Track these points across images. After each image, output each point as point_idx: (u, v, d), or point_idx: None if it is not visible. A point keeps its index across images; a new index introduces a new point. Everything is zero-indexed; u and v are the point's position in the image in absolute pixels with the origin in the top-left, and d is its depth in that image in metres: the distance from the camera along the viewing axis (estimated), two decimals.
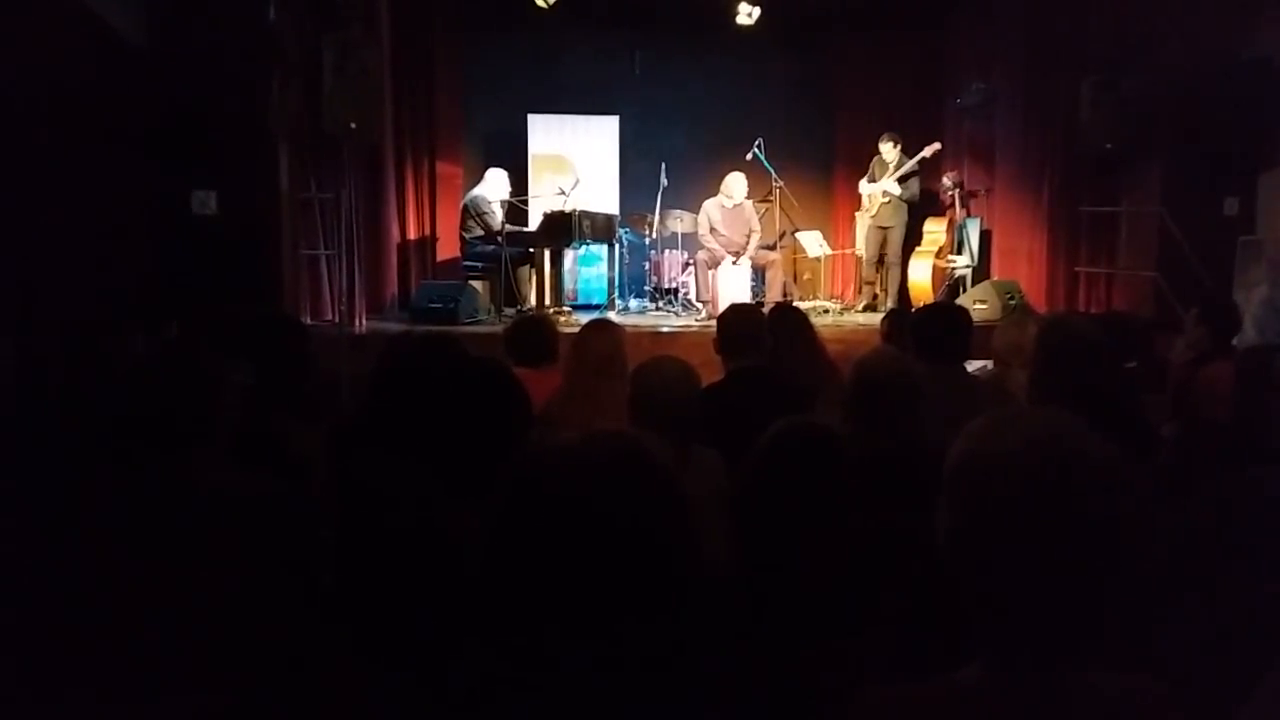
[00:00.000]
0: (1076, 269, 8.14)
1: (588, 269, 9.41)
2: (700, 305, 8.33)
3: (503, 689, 1.19)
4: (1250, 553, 1.78)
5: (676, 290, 8.93)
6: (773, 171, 8.78)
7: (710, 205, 8.39)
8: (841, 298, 9.47)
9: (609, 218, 8.40)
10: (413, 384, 2.21)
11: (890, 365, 2.73)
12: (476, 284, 8.00)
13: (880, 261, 8.87)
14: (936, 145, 8.65)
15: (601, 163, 9.69)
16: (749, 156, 8.70)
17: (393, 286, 8.69)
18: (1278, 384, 2.89)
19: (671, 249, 9.06)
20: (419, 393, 2.06)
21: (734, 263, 8.14)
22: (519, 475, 1.25)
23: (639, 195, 9.29)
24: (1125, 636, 1.14)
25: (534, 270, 7.89)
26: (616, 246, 8.79)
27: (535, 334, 4.03)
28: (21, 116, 4.46)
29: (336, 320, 6.95)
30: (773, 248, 8.74)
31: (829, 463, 1.87)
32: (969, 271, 8.62)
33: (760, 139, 8.74)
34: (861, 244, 9.04)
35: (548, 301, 7.68)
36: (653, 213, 8.90)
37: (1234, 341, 4.31)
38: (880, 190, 8.67)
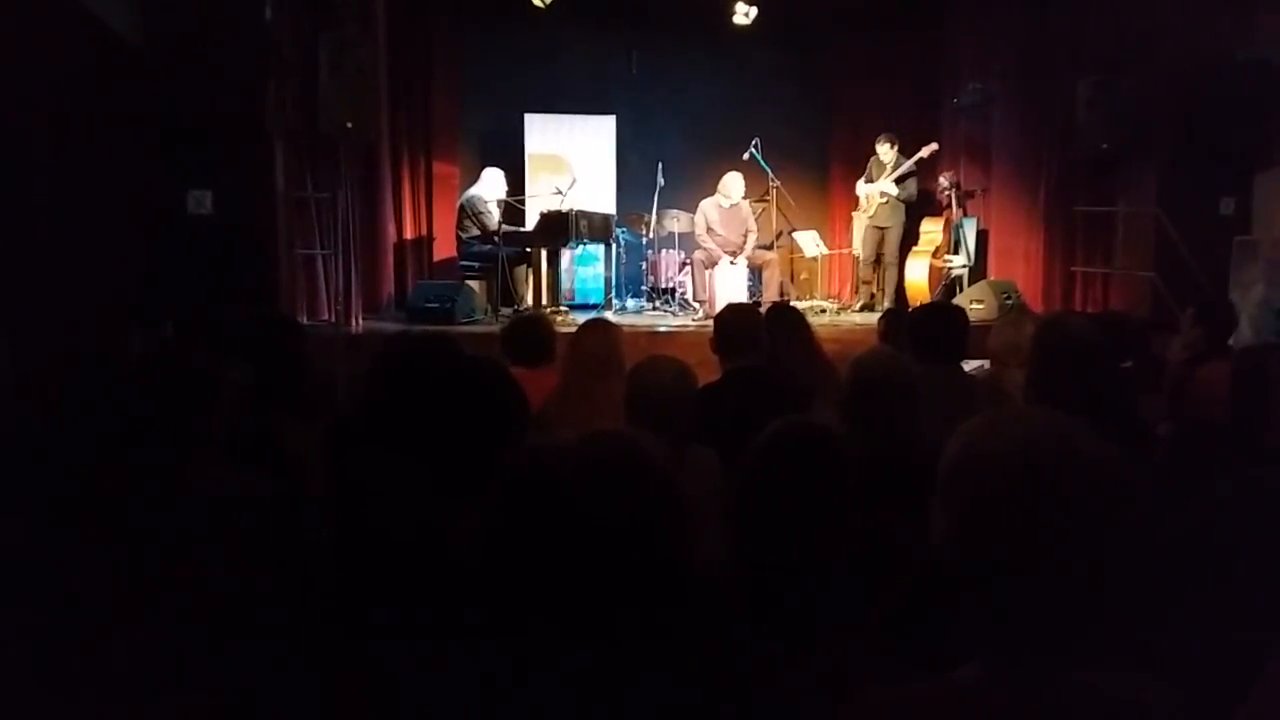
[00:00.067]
0: (1073, 269, 8.15)
1: (585, 269, 9.41)
2: (697, 305, 8.33)
3: (501, 686, 1.19)
4: (1247, 553, 1.78)
5: (673, 290, 8.93)
6: (769, 171, 8.79)
7: (707, 205, 8.39)
8: (838, 297, 9.48)
9: (606, 217, 8.40)
10: (409, 384, 2.21)
11: (887, 365, 2.73)
12: (473, 284, 7.99)
13: (877, 261, 8.88)
14: (934, 146, 8.66)
15: (598, 162, 9.69)
16: (746, 156, 8.71)
17: (389, 286, 8.68)
18: (1274, 383, 2.89)
19: (668, 249, 9.07)
20: (416, 392, 2.05)
21: (731, 262, 8.14)
22: (516, 475, 1.25)
23: (636, 195, 9.29)
24: (1123, 636, 1.14)
25: (531, 270, 7.88)
26: (613, 246, 8.79)
27: (532, 334, 4.03)
28: (17, 116, 4.45)
29: (333, 320, 6.94)
30: (770, 247, 8.75)
31: (826, 462, 1.87)
32: (965, 271, 8.62)
33: (757, 139, 8.74)
34: (858, 244, 9.04)
35: (545, 301, 7.69)
36: (650, 212, 8.90)
37: (1230, 341, 4.31)
38: (878, 191, 8.67)
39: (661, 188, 8.89)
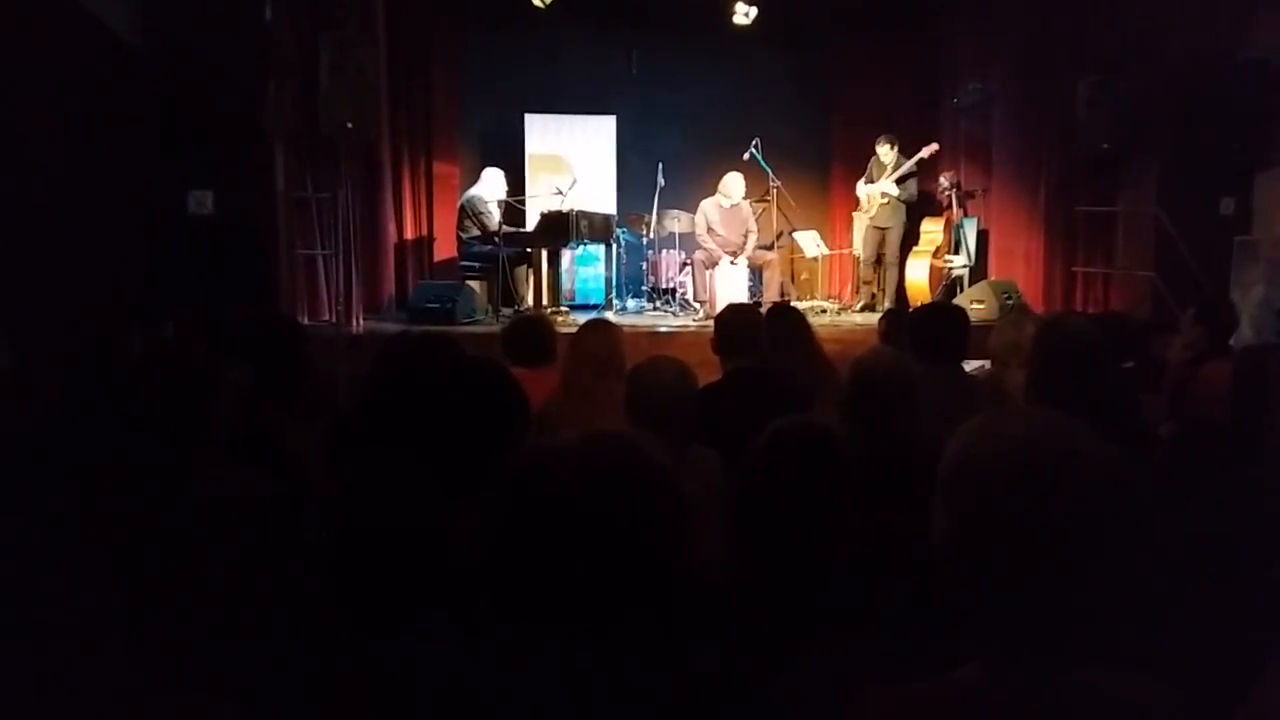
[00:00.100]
0: (1073, 269, 8.14)
1: (585, 269, 9.41)
2: (698, 305, 8.33)
3: (501, 686, 1.19)
4: (1248, 552, 1.78)
5: (674, 290, 8.93)
6: (770, 171, 8.78)
7: (708, 205, 8.39)
8: (839, 298, 9.48)
9: (606, 218, 8.40)
10: (410, 384, 2.21)
11: (888, 365, 2.73)
12: (474, 284, 8.00)
13: (878, 262, 8.88)
14: (934, 146, 8.66)
15: (599, 163, 9.69)
16: (746, 156, 8.71)
17: (390, 286, 8.68)
18: (1275, 383, 2.89)
19: (669, 249, 9.07)
20: (416, 393, 2.05)
21: (731, 263, 8.14)
22: (517, 475, 1.25)
23: (636, 195, 9.29)
24: (1123, 636, 1.14)
25: (531, 270, 7.88)
26: (614, 246, 8.78)
27: (533, 334, 4.03)
28: (18, 116, 4.45)
29: (334, 320, 6.94)
30: (770, 248, 8.75)
31: (826, 462, 1.87)
32: (966, 271, 8.62)
33: (757, 139, 8.74)
34: (859, 244, 9.04)
35: (545, 301, 7.69)
36: (650, 213, 8.90)
37: (1231, 341, 4.31)
38: (879, 191, 8.67)
39: (662, 188, 8.89)
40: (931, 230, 8.93)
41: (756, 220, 8.52)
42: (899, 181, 8.61)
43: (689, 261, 8.61)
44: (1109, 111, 7.29)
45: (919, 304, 7.73)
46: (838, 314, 8.76)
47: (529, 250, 7.86)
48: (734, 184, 8.34)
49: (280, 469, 2.32)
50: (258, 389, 2.79)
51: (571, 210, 7.73)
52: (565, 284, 8.48)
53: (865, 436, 2.53)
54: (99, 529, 1.83)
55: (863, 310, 8.80)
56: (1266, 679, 1.38)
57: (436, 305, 7.42)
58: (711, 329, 3.88)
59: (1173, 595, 1.74)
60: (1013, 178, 8.65)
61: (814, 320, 6.07)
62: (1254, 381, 2.92)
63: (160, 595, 1.71)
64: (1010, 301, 7.79)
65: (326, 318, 7.14)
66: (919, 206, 8.95)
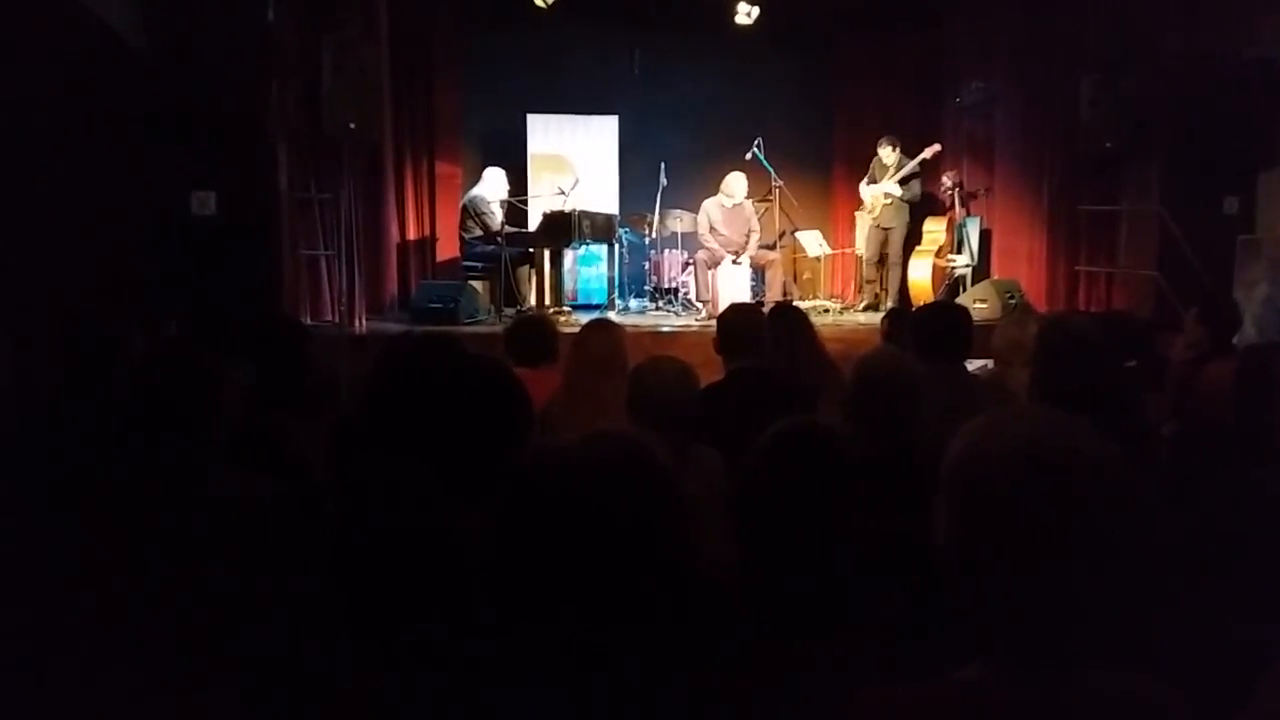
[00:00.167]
0: (1076, 268, 8.14)
1: (588, 269, 9.41)
2: (700, 305, 8.33)
3: (505, 686, 1.19)
4: (1251, 552, 1.78)
5: (676, 290, 8.93)
6: (772, 171, 8.78)
7: (710, 205, 8.38)
8: (841, 297, 9.48)
9: (609, 218, 8.40)
10: (413, 384, 2.21)
11: (890, 365, 2.72)
12: (476, 284, 8.00)
13: (881, 261, 8.87)
14: (937, 147, 8.65)
15: (601, 163, 9.69)
16: (748, 156, 8.70)
17: (393, 286, 8.69)
18: (1278, 382, 2.89)
19: (671, 249, 9.06)
20: (419, 393, 2.05)
21: (734, 262, 8.14)
22: (520, 475, 1.25)
23: (638, 195, 9.29)
24: (1125, 636, 1.14)
25: (534, 270, 7.89)
26: (616, 246, 8.78)
27: (535, 334, 4.03)
28: (20, 116, 4.45)
29: (336, 320, 6.95)
30: (772, 247, 8.75)
31: (829, 462, 1.87)
32: (969, 271, 8.62)
33: (759, 138, 8.74)
34: (862, 244, 9.04)
35: (548, 301, 7.69)
36: (652, 212, 8.90)
37: (1234, 340, 4.30)
38: (881, 192, 8.67)
39: (664, 188, 8.89)
40: (934, 230, 8.93)
41: (759, 220, 8.51)
42: (902, 182, 8.60)
43: (691, 261, 8.61)
44: (1111, 110, 7.29)
45: (922, 303, 7.72)
46: (840, 313, 8.76)
47: (531, 250, 7.87)
48: (736, 183, 8.34)
49: (283, 469, 2.32)
50: (260, 389, 2.79)
51: (574, 210, 7.73)
52: (567, 284, 8.48)
53: (868, 436, 2.53)
54: (101, 529, 1.83)
55: (865, 310, 8.80)
56: (1270, 679, 1.38)
57: (439, 305, 7.43)
58: (714, 329, 3.88)
59: (1175, 595, 1.74)
60: (1015, 177, 8.65)
61: (816, 320, 6.07)
62: (1257, 381, 2.91)
63: (163, 595, 1.71)
64: (1013, 301, 7.78)
65: (329, 318, 7.15)
66: (922, 206, 8.95)
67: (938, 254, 8.81)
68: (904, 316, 4.76)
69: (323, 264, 7.27)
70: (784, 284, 8.63)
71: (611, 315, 7.53)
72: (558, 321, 5.83)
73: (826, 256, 9.21)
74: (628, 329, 4.27)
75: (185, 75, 6.03)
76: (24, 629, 1.66)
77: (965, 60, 9.24)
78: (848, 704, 1.19)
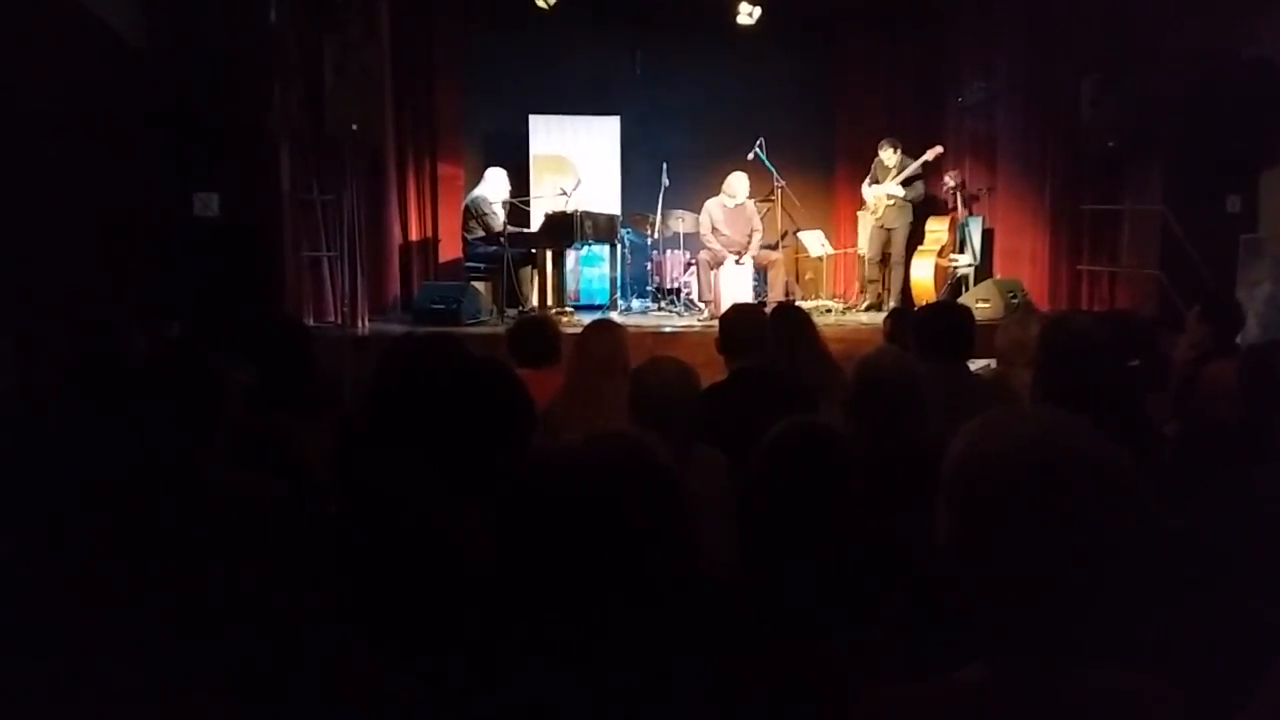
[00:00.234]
0: (1079, 267, 8.13)
1: (590, 269, 9.41)
2: (702, 305, 8.33)
3: (507, 685, 1.19)
4: (1254, 551, 1.78)
5: (679, 290, 8.93)
6: (774, 171, 8.78)
7: (712, 205, 8.38)
8: (844, 297, 9.47)
9: (611, 218, 8.40)
10: (415, 385, 2.21)
11: (893, 364, 2.72)
12: (479, 285, 8.01)
13: (883, 261, 8.86)
14: (939, 149, 8.65)
15: (603, 163, 9.69)
16: (750, 156, 8.70)
17: (395, 287, 8.69)
18: None
19: (673, 249, 9.06)
20: (421, 393, 2.06)
21: (736, 262, 8.14)
22: (522, 475, 1.26)
23: (640, 195, 9.29)
24: (1127, 636, 1.14)
25: (536, 271, 7.89)
26: (618, 247, 8.78)
27: (537, 334, 4.03)
28: (23, 119, 4.46)
29: (339, 321, 6.96)
30: (775, 247, 8.75)
31: (831, 463, 1.87)
32: (971, 270, 8.61)
33: (761, 138, 8.74)
34: (864, 243, 9.03)
35: (550, 302, 7.69)
36: (654, 213, 8.90)
37: (1237, 339, 4.29)
38: (885, 194, 8.67)
39: (666, 188, 8.89)
40: (937, 229, 8.92)
41: (761, 220, 8.51)
42: (905, 184, 8.60)
43: (694, 261, 8.61)
44: (1114, 109, 7.28)
45: (924, 303, 7.72)
46: (842, 313, 8.75)
47: (534, 251, 7.87)
48: (738, 184, 8.34)
49: (285, 470, 2.32)
50: (263, 390, 2.80)
51: (576, 211, 7.73)
52: (570, 284, 8.48)
53: (870, 436, 2.53)
54: (104, 530, 1.84)
55: (868, 310, 8.79)
56: (1271, 679, 1.38)
57: (441, 306, 7.43)
58: (716, 329, 3.88)
59: (1176, 595, 1.74)
60: (1018, 176, 8.64)
61: (819, 320, 6.06)
62: (1260, 380, 2.90)
63: (165, 596, 1.71)
64: (1016, 300, 7.78)
65: (332, 319, 7.16)
66: (924, 206, 8.94)
67: (940, 254, 8.80)
68: (906, 316, 4.76)
69: (325, 265, 7.27)
70: (786, 284, 8.63)
71: (614, 316, 7.54)
72: (560, 322, 5.83)
73: (829, 256, 9.21)
74: (630, 329, 4.28)
75: (187, 77, 6.04)
76: (25, 629, 1.67)
77: (967, 60, 9.24)
78: (851, 703, 1.19)
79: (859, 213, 9.26)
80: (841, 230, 9.99)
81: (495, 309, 7.90)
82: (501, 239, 7.86)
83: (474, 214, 8.15)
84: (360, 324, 7.11)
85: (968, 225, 8.80)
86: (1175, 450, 2.63)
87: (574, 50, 9.56)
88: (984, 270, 8.72)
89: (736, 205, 8.33)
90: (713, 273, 8.17)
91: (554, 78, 9.62)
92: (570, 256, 8.31)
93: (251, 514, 1.92)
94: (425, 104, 9.13)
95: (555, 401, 3.35)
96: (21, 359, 4.22)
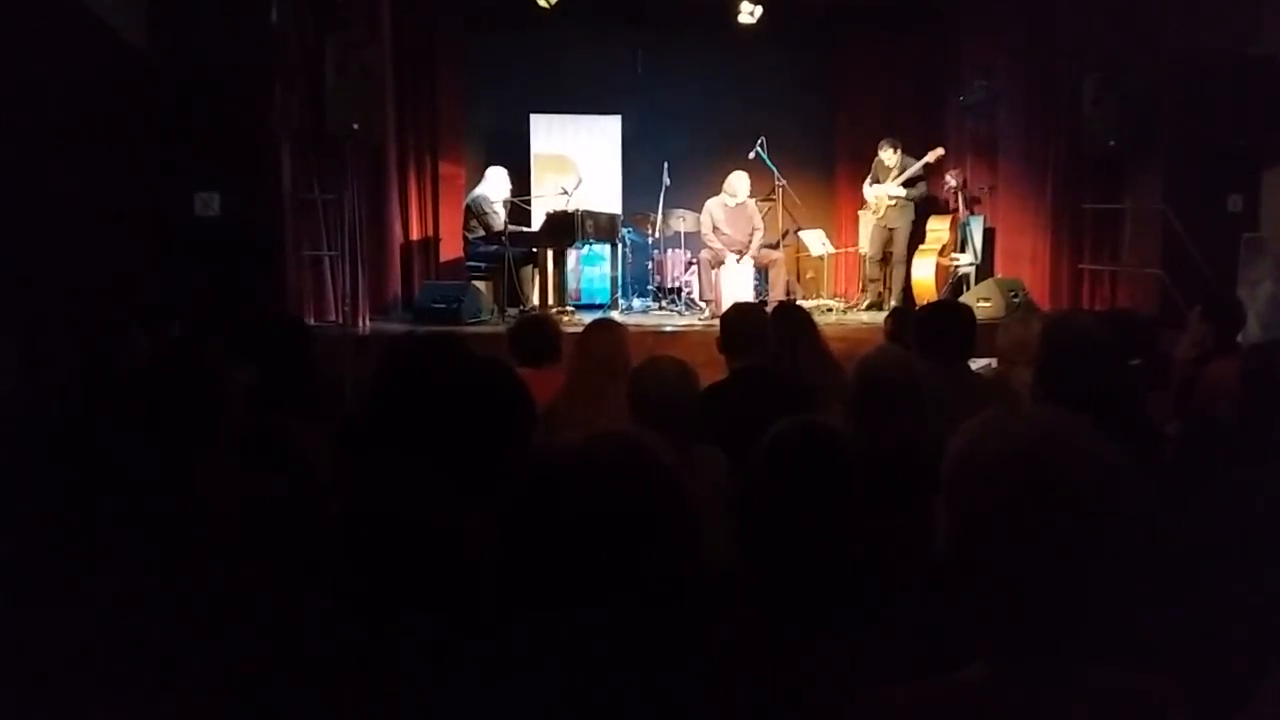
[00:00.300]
0: (1080, 266, 8.12)
1: (591, 269, 9.41)
2: (703, 304, 8.33)
3: (508, 685, 1.19)
4: (1255, 551, 1.78)
5: (680, 290, 8.93)
6: (775, 170, 8.78)
7: (713, 204, 8.38)
8: (845, 296, 9.47)
9: (612, 217, 8.40)
10: (416, 384, 2.21)
11: (894, 364, 2.72)
12: (480, 284, 8.01)
13: (884, 260, 8.86)
14: (939, 151, 8.66)
15: (604, 162, 9.69)
16: (751, 155, 8.70)
17: (396, 287, 8.69)
18: None
19: (674, 248, 9.06)
20: (422, 393, 2.06)
21: (737, 262, 8.14)
22: (523, 475, 1.26)
23: (641, 195, 9.29)
24: (1128, 635, 1.14)
25: (537, 270, 7.90)
26: (619, 246, 8.79)
27: (538, 334, 4.04)
28: (23, 118, 4.46)
29: (340, 321, 6.96)
30: (776, 246, 8.75)
31: (832, 462, 1.87)
32: (972, 269, 8.61)
33: (762, 138, 8.74)
34: (866, 243, 9.03)
35: (551, 301, 7.70)
36: (655, 212, 8.90)
37: (1239, 339, 4.29)
38: (886, 194, 8.67)
39: (667, 187, 8.89)
40: (938, 228, 8.92)
41: (762, 219, 8.51)
42: (908, 185, 8.60)
43: (694, 261, 8.61)
44: (1115, 108, 7.27)
45: (925, 302, 7.72)
46: (843, 312, 8.75)
47: (534, 250, 7.88)
48: (739, 183, 8.34)
49: (286, 469, 2.33)
50: (264, 390, 2.79)
51: (577, 210, 7.73)
52: (571, 284, 8.48)
53: (871, 435, 2.53)
54: (105, 530, 1.84)
55: (869, 309, 8.79)
56: (1271, 680, 1.38)
57: (442, 305, 7.43)
58: (717, 328, 3.88)
59: (1176, 595, 1.74)
60: (1019, 175, 8.63)
61: (820, 319, 6.04)
62: (1261, 379, 2.90)
63: (166, 596, 1.71)
64: (1017, 299, 7.77)
65: (333, 318, 7.16)
66: (925, 205, 8.94)
67: (941, 253, 8.80)
68: (907, 315, 4.76)
69: (326, 264, 7.27)
70: (787, 283, 8.63)
71: (614, 315, 7.54)
72: (561, 321, 5.83)
73: (830, 256, 9.20)
74: (631, 329, 4.28)
75: (189, 77, 6.04)
76: (25, 629, 1.67)
77: (968, 59, 9.23)
78: (848, 703, 1.19)
79: (860, 212, 9.26)
80: (842, 229, 9.98)
81: (496, 308, 7.90)
82: (502, 238, 7.86)
83: (475, 213, 8.15)
84: (361, 323, 7.11)
85: (969, 224, 8.80)
86: (1176, 450, 2.63)
87: (575, 50, 9.56)
88: (985, 269, 8.72)
89: (737, 204, 8.33)
90: (714, 272, 8.17)
91: (555, 77, 9.62)
92: (571, 256, 8.31)
93: (252, 514, 1.92)
94: (426, 103, 9.12)
95: (556, 401, 3.35)
96: (23, 359, 4.22)
